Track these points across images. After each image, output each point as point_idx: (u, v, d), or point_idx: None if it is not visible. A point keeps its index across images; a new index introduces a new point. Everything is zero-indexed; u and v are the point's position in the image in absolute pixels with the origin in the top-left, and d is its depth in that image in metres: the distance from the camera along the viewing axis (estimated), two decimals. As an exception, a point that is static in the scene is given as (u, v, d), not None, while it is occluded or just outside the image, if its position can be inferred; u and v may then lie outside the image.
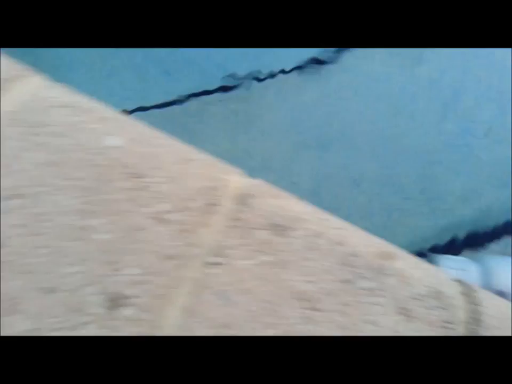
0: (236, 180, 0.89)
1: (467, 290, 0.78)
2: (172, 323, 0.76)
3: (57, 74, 0.91)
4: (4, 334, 0.73)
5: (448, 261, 0.98)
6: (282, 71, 1.48)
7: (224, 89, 1.47)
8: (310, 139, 1.43)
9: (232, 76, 1.48)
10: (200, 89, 1.48)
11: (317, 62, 1.52)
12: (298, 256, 0.79)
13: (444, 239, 1.44)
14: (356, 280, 0.77)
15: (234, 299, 0.76)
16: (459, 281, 0.79)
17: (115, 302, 0.78)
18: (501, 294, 0.90)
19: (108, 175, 0.88)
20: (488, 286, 0.93)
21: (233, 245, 0.83)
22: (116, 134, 0.89)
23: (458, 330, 0.73)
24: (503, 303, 0.78)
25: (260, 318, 0.75)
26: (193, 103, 1.46)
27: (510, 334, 0.69)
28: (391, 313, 0.75)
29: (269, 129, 1.46)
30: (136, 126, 0.89)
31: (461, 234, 1.49)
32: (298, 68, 1.52)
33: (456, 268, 0.97)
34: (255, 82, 1.48)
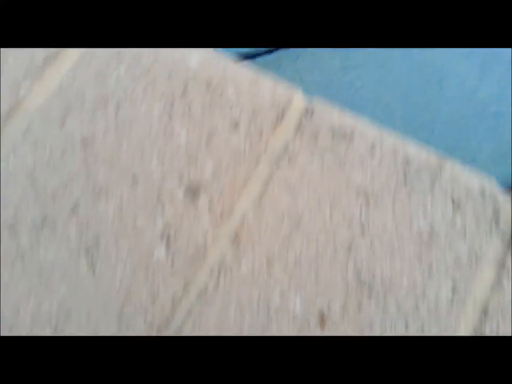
0: (299, 96, 0.94)
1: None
2: (242, 212, 0.83)
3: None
4: (94, 214, 0.83)
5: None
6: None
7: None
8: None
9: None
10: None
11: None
12: (357, 159, 0.85)
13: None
14: (411, 180, 0.82)
15: (298, 193, 0.82)
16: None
17: (192, 193, 0.85)
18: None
19: (188, 87, 0.95)
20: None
21: (298, 148, 0.89)
22: (197, 54, 0.94)
23: (504, 231, 0.78)
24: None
25: (320, 208, 0.80)
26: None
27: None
28: (443, 209, 0.80)
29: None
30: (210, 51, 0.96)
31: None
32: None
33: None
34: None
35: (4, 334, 0.73)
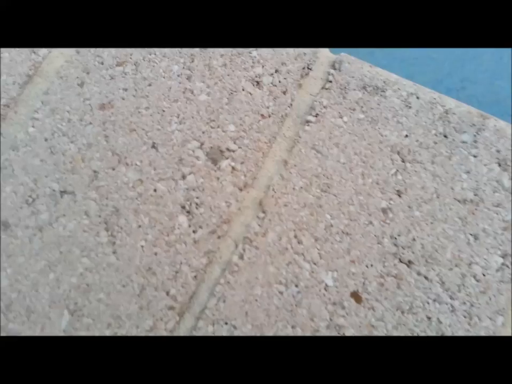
0: (325, 50, 0.81)
1: None
2: (267, 174, 0.71)
3: None
4: (113, 182, 0.74)
5: None
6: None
7: None
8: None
9: None
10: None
11: None
12: (392, 114, 0.68)
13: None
14: (452, 133, 0.66)
15: (326, 152, 0.66)
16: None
17: (214, 155, 0.75)
18: None
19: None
20: None
21: (326, 104, 0.76)
22: None
23: None
24: None
25: (352, 169, 0.65)
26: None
27: None
28: (487, 163, 0.62)
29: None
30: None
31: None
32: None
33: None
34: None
35: (21, 311, 0.68)
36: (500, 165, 0.67)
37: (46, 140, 0.72)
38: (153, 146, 0.73)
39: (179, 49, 0.77)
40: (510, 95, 1.35)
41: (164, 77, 0.75)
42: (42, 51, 0.79)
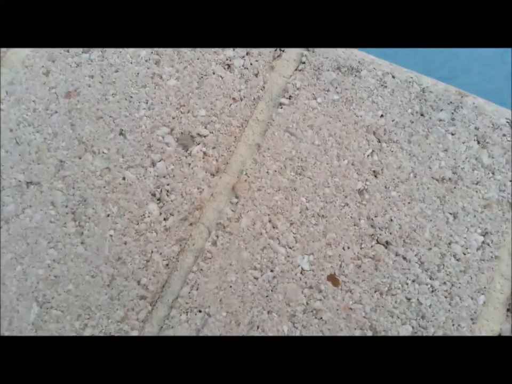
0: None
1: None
2: (240, 158, 0.68)
3: None
4: (80, 171, 0.72)
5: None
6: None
7: None
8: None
9: None
10: None
11: None
12: (367, 94, 0.68)
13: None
14: (429, 111, 0.65)
15: (301, 135, 0.65)
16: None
17: (185, 141, 0.73)
18: None
19: None
20: None
21: (299, 86, 0.75)
22: None
23: None
24: None
25: (327, 151, 0.63)
26: None
27: None
28: (465, 141, 0.61)
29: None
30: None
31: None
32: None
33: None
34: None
35: None
36: (478, 142, 0.66)
37: (11, 130, 0.71)
38: (121, 133, 0.72)
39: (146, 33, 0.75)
40: (505, 83, 1.34)
41: (131, 63, 0.74)
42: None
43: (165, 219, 0.65)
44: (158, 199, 0.66)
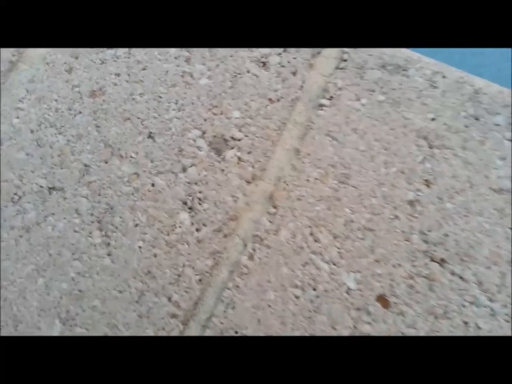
0: None
1: None
2: (277, 164, 0.68)
3: None
4: (106, 176, 0.69)
5: None
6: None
7: None
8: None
9: None
10: None
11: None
12: (416, 94, 0.66)
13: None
14: (484, 115, 0.59)
15: (343, 139, 0.64)
16: None
17: (218, 144, 0.70)
18: None
19: None
20: None
21: (341, 85, 0.71)
22: None
23: None
24: None
25: (373, 157, 0.66)
26: None
27: None
28: None
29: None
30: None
31: None
32: None
33: None
34: None
35: (7, 321, 0.63)
36: (539, 149, 0.61)
37: (32, 131, 0.67)
38: (150, 136, 0.69)
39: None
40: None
41: (159, 60, 0.70)
42: (26, 34, 0.73)
43: (197, 230, 0.62)
44: (190, 208, 0.62)
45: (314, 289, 0.60)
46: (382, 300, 0.58)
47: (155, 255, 0.61)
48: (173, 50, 0.71)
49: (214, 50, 0.70)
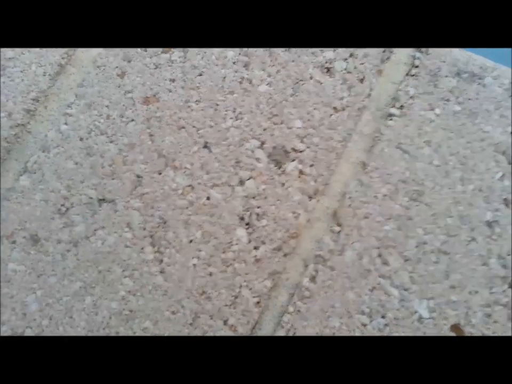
0: None
1: None
2: (342, 179, 0.68)
3: None
4: (160, 188, 0.70)
5: None
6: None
7: None
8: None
9: None
10: None
11: None
12: (494, 105, 0.68)
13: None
14: None
15: (416, 152, 0.66)
16: None
17: (278, 156, 0.70)
18: None
19: None
20: None
21: (413, 94, 0.71)
22: None
23: None
24: None
25: (448, 173, 0.66)
26: None
27: None
28: None
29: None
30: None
31: None
32: None
33: None
34: None
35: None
36: None
37: (81, 139, 0.69)
38: (206, 146, 0.70)
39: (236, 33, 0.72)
40: None
41: (216, 65, 0.72)
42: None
43: (255, 248, 0.62)
44: (247, 224, 0.63)
45: (383, 317, 0.59)
46: (457, 329, 0.58)
47: (210, 274, 0.62)
48: (230, 55, 0.71)
49: (275, 54, 0.70)
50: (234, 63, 0.71)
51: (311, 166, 0.65)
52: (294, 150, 0.66)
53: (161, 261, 0.63)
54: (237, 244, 0.62)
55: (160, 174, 0.66)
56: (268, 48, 0.72)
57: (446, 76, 0.67)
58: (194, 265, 0.62)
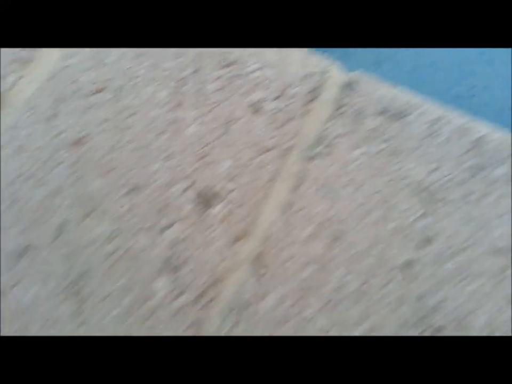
0: (337, 69, 0.79)
1: None
2: (269, 218, 0.69)
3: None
4: (85, 234, 0.70)
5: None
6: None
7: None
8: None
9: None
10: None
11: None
12: (416, 143, 0.65)
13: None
14: (487, 166, 0.59)
15: (339, 192, 0.65)
16: None
17: (206, 197, 0.71)
18: None
19: (201, 63, 0.80)
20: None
21: (338, 133, 0.73)
22: None
23: None
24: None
25: (370, 212, 0.66)
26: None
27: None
28: None
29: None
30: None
31: None
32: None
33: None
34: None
35: None
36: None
37: (8, 184, 0.71)
38: (134, 189, 0.71)
39: (168, 72, 0.73)
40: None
41: (149, 105, 0.71)
42: (11, 78, 0.76)
43: (177, 296, 0.62)
44: (171, 271, 0.64)
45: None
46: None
47: (131, 325, 0.62)
48: (163, 95, 0.73)
49: (207, 94, 0.72)
50: (166, 103, 0.72)
51: (239, 207, 0.67)
52: (222, 191, 0.67)
53: (82, 311, 0.63)
54: (159, 292, 0.63)
55: (86, 219, 0.67)
56: (200, 88, 0.73)
57: (371, 115, 0.70)
58: (114, 315, 0.62)
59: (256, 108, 0.72)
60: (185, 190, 0.68)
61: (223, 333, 0.62)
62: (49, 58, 0.79)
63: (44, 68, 0.78)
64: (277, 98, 0.73)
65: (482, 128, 0.68)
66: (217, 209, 0.67)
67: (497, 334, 0.60)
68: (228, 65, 0.77)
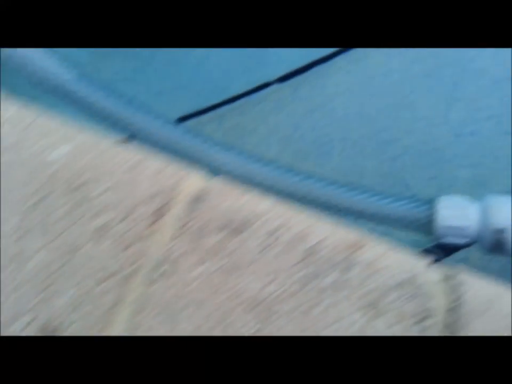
0: (190, 183, 0.81)
1: (448, 276, 0.63)
2: None
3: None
4: None
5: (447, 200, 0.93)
6: (276, 80, 1.36)
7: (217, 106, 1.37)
8: (309, 147, 1.31)
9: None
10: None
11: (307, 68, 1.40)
12: (253, 257, 0.70)
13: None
14: (318, 276, 0.62)
15: (179, 314, 0.68)
16: (440, 266, 0.72)
17: (48, 331, 0.71)
18: (500, 232, 0.86)
19: (48, 190, 0.81)
20: (487, 225, 0.89)
21: (182, 251, 0.75)
22: (60, 146, 0.84)
23: (435, 321, 0.66)
24: (487, 285, 0.62)
25: (209, 332, 0.69)
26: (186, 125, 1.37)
27: (492, 323, 0.56)
28: (358, 309, 0.61)
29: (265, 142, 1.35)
30: (83, 134, 0.86)
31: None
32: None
33: (454, 208, 0.92)
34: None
35: None
36: (369, 307, 0.64)
37: None
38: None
39: (15, 196, 0.75)
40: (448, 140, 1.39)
41: None
42: None
43: None
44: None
45: None
46: None
47: None
48: (12, 224, 0.73)
49: (52, 222, 0.73)
50: (12, 234, 0.73)
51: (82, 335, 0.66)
52: (64, 323, 0.67)
53: None
54: None
55: None
56: (44, 218, 0.75)
57: (214, 230, 0.72)
58: None
59: (102, 232, 0.73)
60: (25, 326, 0.68)
61: None
62: None
63: None
64: (123, 219, 0.74)
65: (319, 233, 0.71)
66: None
67: None
68: (76, 189, 0.78)
